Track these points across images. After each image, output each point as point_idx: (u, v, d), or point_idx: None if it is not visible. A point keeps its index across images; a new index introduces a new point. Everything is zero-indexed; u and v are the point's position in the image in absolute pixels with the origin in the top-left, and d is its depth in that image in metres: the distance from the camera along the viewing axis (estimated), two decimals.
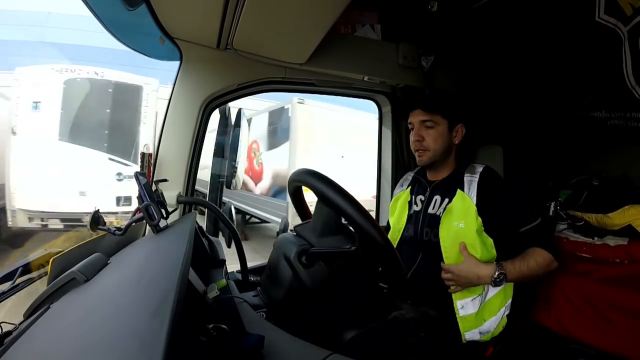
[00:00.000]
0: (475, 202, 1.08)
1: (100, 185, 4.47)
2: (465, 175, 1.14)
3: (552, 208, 1.44)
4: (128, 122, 4.45)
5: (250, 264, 1.27)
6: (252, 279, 1.21)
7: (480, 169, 1.14)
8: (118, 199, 4.39)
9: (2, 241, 4.50)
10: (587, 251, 1.38)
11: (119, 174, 4.36)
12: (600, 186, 1.44)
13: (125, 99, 4.41)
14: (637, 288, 1.22)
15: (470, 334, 1.07)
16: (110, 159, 4.38)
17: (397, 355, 1.02)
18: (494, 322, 1.08)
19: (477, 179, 1.11)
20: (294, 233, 0.97)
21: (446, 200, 1.15)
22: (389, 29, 1.52)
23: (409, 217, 1.24)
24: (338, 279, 0.87)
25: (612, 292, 1.28)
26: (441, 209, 1.15)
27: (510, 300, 1.11)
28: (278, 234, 1.27)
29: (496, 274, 1.01)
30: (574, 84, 1.39)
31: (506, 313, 1.10)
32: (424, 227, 1.18)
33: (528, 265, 1.04)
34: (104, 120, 4.37)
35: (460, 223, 1.09)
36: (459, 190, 1.12)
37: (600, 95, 1.35)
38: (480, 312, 1.07)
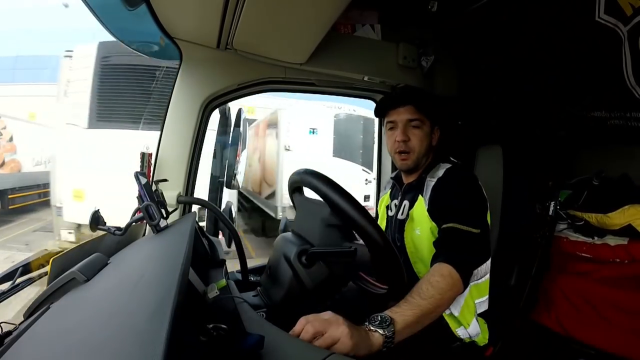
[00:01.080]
0: (427, 207, 1.03)
1: (355, 188, 5.82)
2: (427, 179, 1.07)
3: (552, 208, 1.44)
4: (369, 144, 6.23)
5: (250, 264, 1.27)
6: (252, 279, 1.21)
7: (441, 172, 1.05)
8: (365, 197, 6.02)
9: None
10: (587, 251, 1.39)
11: (366, 179, 6.14)
12: (600, 186, 1.44)
13: (367, 128, 6.30)
14: (637, 288, 1.23)
15: (462, 332, 1.02)
16: (363, 170, 6.18)
17: (396, 354, 1.01)
18: (476, 323, 1.02)
19: (433, 183, 1.04)
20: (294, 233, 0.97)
21: (408, 204, 1.10)
22: (389, 29, 1.52)
23: (387, 222, 1.22)
24: (338, 279, 0.87)
25: (612, 292, 1.28)
26: (404, 215, 1.11)
27: (484, 298, 1.03)
28: None
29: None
30: (574, 84, 1.39)
31: (479, 310, 1.02)
32: (395, 233, 1.14)
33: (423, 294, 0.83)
34: (359, 143, 6.29)
35: (417, 229, 1.05)
36: (420, 196, 1.07)
37: (600, 95, 1.35)
38: (461, 314, 1.01)
